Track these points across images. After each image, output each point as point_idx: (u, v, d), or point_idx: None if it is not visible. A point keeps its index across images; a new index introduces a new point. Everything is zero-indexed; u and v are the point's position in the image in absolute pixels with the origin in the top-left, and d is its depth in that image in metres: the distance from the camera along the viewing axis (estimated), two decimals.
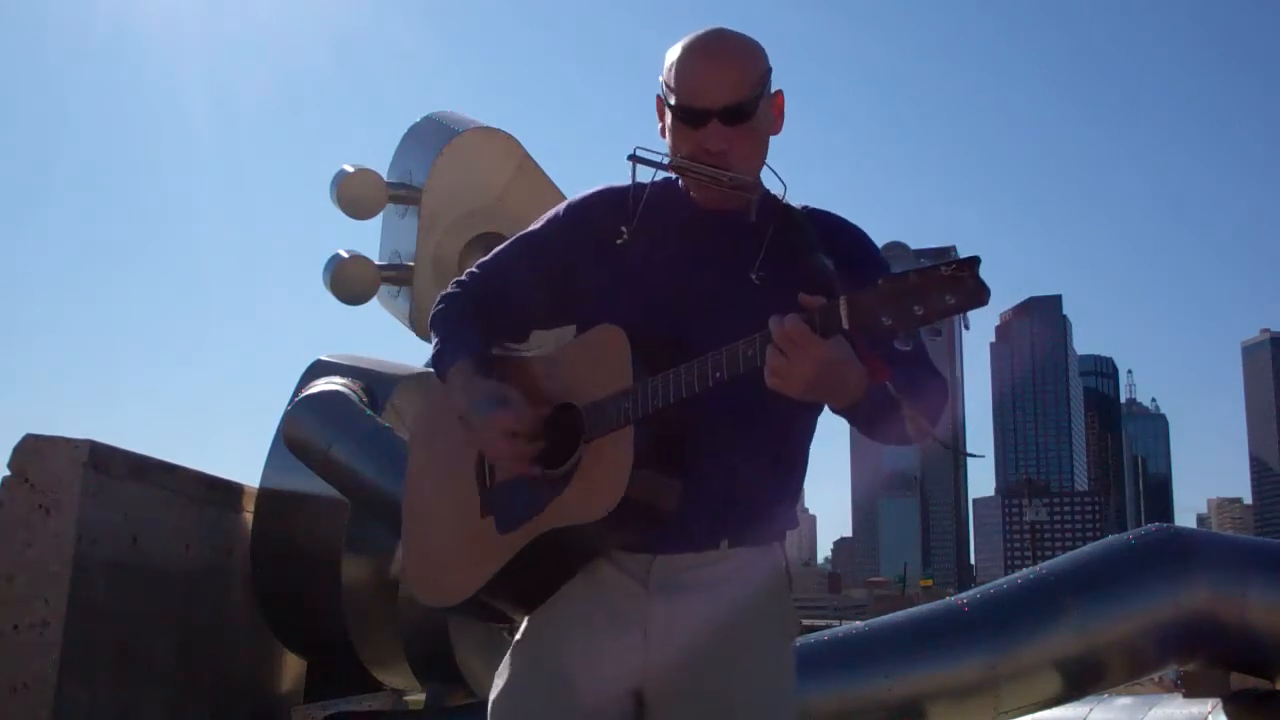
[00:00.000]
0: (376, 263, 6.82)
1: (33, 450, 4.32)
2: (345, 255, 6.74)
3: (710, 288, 1.85)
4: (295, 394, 5.59)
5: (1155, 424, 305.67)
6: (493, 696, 1.87)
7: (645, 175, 1.90)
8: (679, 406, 1.70)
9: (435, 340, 1.99)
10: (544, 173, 6.90)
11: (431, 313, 2.03)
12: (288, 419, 5.40)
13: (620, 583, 1.80)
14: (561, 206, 2.01)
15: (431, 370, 2.02)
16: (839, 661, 4.63)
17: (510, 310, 2.00)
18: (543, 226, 2.01)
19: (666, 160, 1.85)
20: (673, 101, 1.83)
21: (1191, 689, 5.16)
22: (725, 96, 1.79)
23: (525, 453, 1.80)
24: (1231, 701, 4.79)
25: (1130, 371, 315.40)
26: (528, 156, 6.87)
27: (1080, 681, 4.66)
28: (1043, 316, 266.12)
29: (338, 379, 5.58)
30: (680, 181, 1.94)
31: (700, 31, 1.86)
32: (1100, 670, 4.64)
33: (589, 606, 1.81)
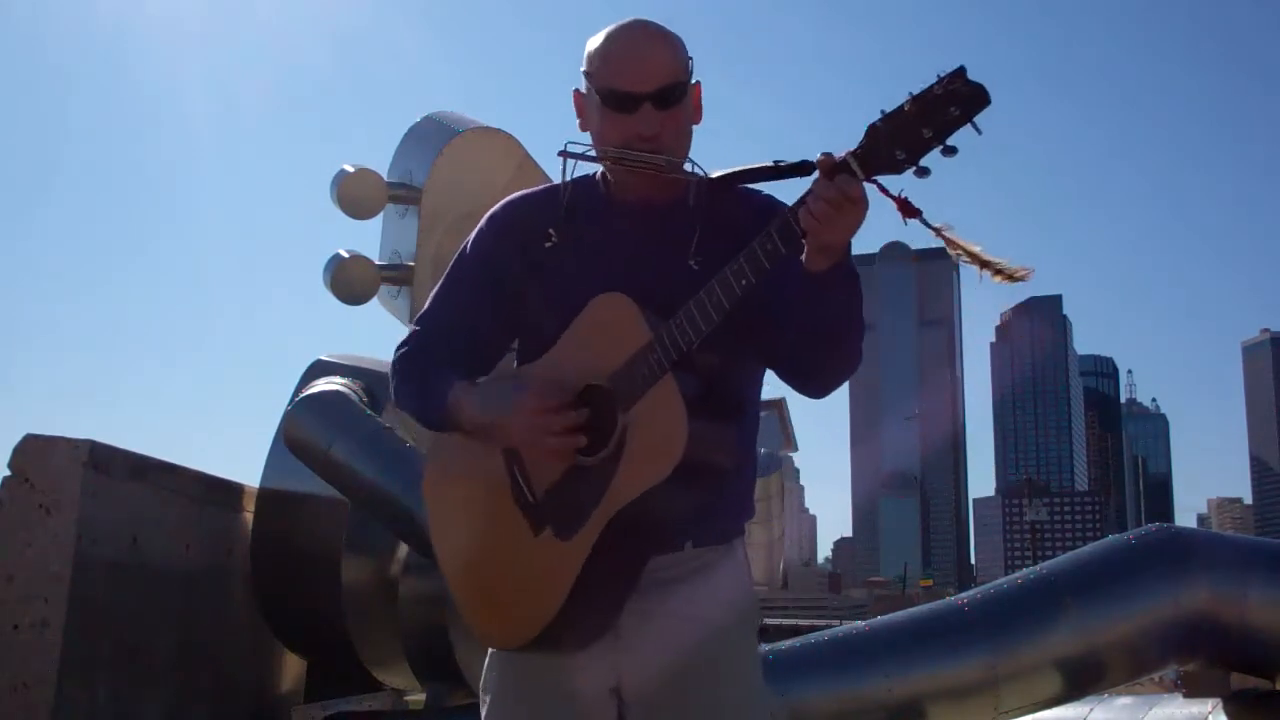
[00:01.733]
0: (376, 263, 6.83)
1: (33, 450, 4.32)
2: (345, 255, 6.75)
3: (649, 282, 1.80)
4: (295, 394, 5.60)
5: (1155, 424, 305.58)
6: (484, 711, 1.88)
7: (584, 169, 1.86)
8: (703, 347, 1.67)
9: (411, 406, 1.90)
10: (544, 173, 6.90)
11: (391, 388, 1.93)
12: (288, 419, 5.40)
13: None
14: (482, 221, 1.95)
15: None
16: (839, 661, 4.63)
17: (474, 344, 1.92)
18: (471, 249, 1.94)
19: (598, 153, 1.81)
20: (600, 88, 1.80)
21: (1191, 689, 5.16)
22: (658, 79, 1.78)
23: (564, 426, 1.71)
24: (1231, 701, 4.79)
25: (1130, 371, 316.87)
26: (528, 156, 6.88)
27: (1080, 681, 4.65)
28: (1043, 316, 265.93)
29: (338, 379, 5.59)
30: (600, 175, 1.90)
31: (623, 21, 1.84)
32: (1100, 670, 4.64)
33: None
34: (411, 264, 6.77)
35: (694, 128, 1.86)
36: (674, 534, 1.79)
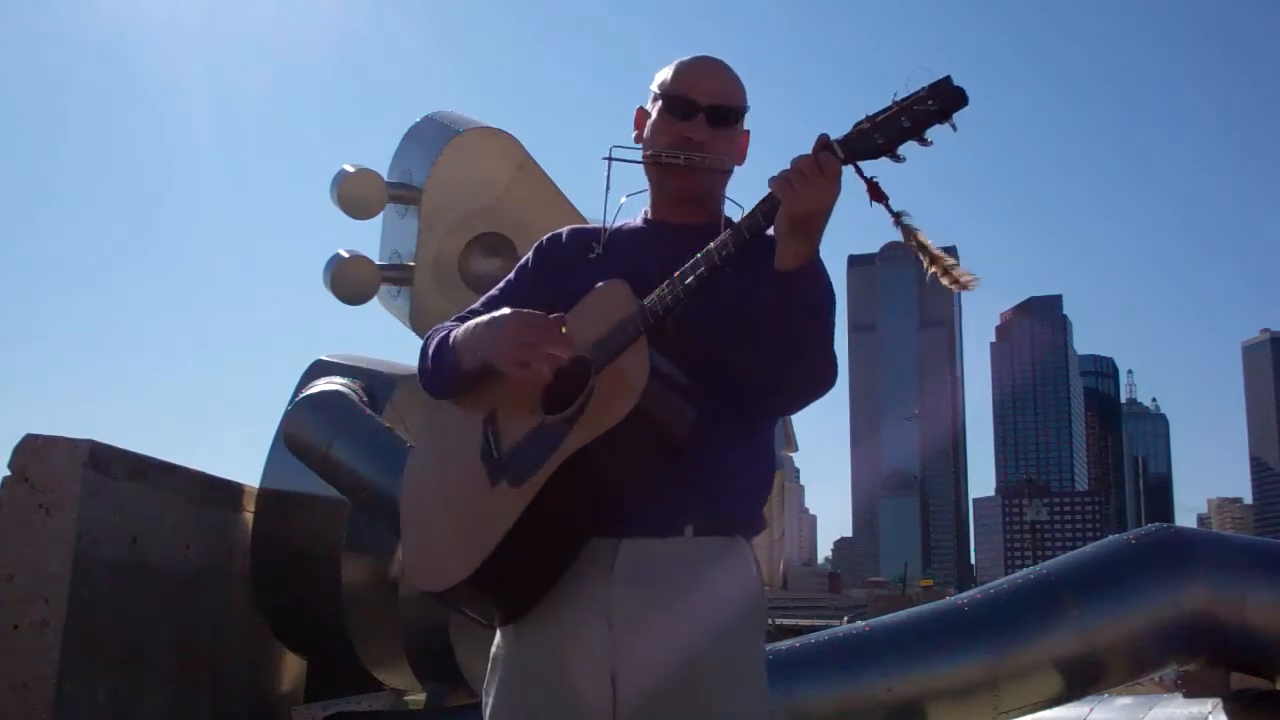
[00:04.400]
0: (376, 263, 6.83)
1: (33, 450, 4.32)
2: (345, 255, 6.75)
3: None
4: (295, 394, 5.60)
5: (1155, 424, 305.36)
6: (487, 713, 1.89)
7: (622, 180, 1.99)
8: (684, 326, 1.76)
9: (428, 377, 2.02)
10: (545, 173, 6.91)
11: (419, 365, 2.05)
12: (288, 419, 5.40)
13: (587, 572, 1.79)
14: (530, 250, 2.09)
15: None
16: (839, 661, 4.62)
17: None
18: (516, 272, 2.08)
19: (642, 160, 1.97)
20: (665, 92, 1.95)
21: (1191, 689, 5.16)
22: (716, 96, 1.94)
23: (549, 326, 1.79)
24: (1231, 701, 4.79)
25: (1130, 371, 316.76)
26: (528, 156, 6.87)
27: (1080, 681, 4.65)
28: (1043, 316, 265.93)
29: (338, 379, 5.58)
30: (647, 212, 2.02)
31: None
32: (1100, 670, 4.63)
33: (558, 599, 1.80)
34: (411, 264, 6.77)
35: (735, 169, 1.99)
36: (672, 517, 1.81)
